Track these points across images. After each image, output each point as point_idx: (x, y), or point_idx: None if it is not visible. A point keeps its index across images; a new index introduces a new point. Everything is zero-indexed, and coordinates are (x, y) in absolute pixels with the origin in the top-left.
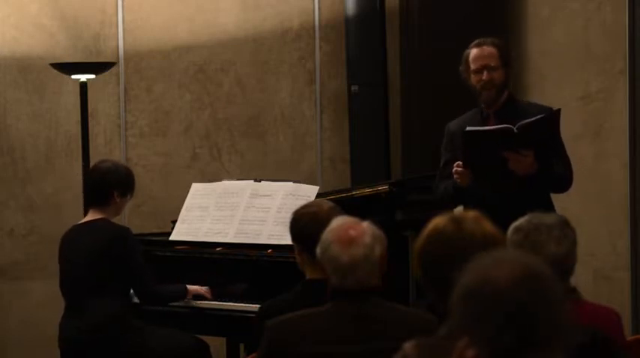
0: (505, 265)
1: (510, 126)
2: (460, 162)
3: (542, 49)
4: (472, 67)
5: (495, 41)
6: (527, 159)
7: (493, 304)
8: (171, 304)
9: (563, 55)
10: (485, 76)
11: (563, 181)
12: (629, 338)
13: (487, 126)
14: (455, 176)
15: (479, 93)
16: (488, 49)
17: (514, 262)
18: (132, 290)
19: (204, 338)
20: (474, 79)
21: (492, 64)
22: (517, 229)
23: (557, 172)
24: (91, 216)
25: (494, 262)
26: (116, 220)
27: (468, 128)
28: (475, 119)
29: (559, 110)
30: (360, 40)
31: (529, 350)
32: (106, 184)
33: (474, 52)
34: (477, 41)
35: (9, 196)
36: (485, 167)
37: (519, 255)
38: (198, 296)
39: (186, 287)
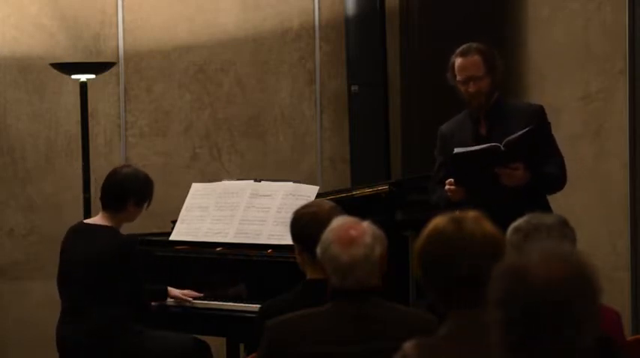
0: (545, 263)
1: (497, 144)
2: (452, 180)
3: (542, 49)
4: (458, 77)
5: (480, 47)
6: (518, 173)
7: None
8: (171, 305)
9: (563, 55)
10: (471, 87)
11: (556, 181)
12: (629, 338)
13: (478, 128)
14: (448, 194)
15: (468, 100)
16: (473, 59)
17: (556, 258)
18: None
19: (204, 338)
20: (461, 87)
21: (478, 74)
22: (517, 229)
23: (549, 174)
24: (101, 219)
25: (537, 255)
26: None
27: (456, 150)
28: (466, 121)
29: (544, 120)
30: (360, 40)
31: (534, 348)
32: (123, 191)
33: (458, 61)
34: (461, 49)
35: (9, 196)
36: (476, 185)
37: (566, 253)
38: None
39: (166, 289)
